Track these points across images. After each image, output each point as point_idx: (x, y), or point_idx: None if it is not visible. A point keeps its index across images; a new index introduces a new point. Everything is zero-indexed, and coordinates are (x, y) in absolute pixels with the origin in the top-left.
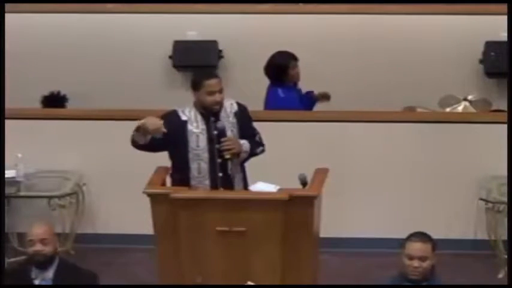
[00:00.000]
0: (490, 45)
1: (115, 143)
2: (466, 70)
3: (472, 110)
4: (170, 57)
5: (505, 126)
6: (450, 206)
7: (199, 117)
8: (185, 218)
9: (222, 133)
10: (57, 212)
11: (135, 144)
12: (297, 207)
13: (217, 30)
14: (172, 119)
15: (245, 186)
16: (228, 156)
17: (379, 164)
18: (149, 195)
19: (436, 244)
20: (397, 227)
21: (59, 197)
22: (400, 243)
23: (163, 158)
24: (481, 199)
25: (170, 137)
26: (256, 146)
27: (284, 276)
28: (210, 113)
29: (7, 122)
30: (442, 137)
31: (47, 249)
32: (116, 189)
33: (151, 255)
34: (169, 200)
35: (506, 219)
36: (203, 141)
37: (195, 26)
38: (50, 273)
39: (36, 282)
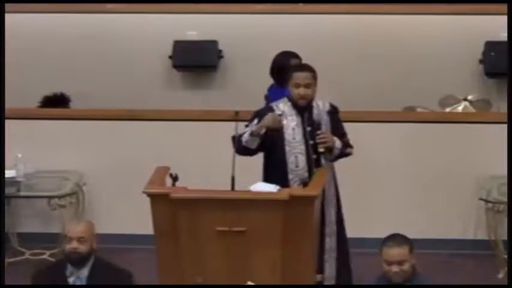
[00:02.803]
0: (490, 45)
1: (115, 143)
2: (466, 70)
3: (472, 110)
4: (170, 57)
5: (505, 126)
6: (450, 206)
7: (293, 111)
8: (185, 218)
9: (317, 127)
10: (57, 212)
11: (245, 150)
12: (297, 207)
13: (217, 30)
14: (267, 113)
15: (335, 185)
16: (322, 150)
17: (379, 164)
18: (149, 195)
19: (413, 244)
20: (397, 227)
21: (59, 197)
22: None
23: (163, 158)
24: (481, 199)
25: (268, 133)
26: (346, 146)
27: (284, 276)
28: (303, 108)
29: (7, 122)
30: (442, 137)
31: (83, 247)
32: (116, 189)
33: (151, 255)
34: (169, 200)
35: (506, 219)
36: (299, 134)
37: (195, 26)
38: (85, 272)
39: (71, 280)
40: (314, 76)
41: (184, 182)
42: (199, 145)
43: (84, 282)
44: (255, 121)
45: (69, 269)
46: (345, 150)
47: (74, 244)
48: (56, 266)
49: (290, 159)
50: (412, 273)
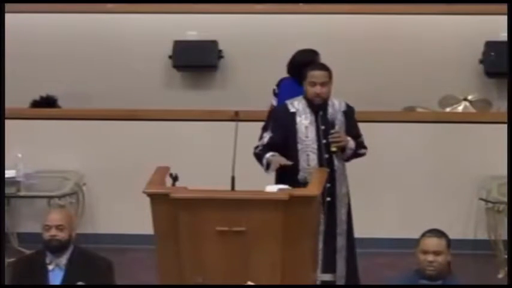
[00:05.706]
0: (490, 45)
1: (115, 143)
2: (466, 70)
3: (472, 110)
4: (170, 57)
5: (505, 126)
6: (450, 206)
7: (308, 109)
8: (185, 218)
9: (330, 126)
10: None
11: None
12: (297, 207)
13: (217, 30)
14: (281, 111)
15: (347, 185)
16: (334, 149)
17: (379, 164)
18: (149, 195)
19: (450, 241)
20: (397, 227)
21: (59, 197)
22: (415, 243)
23: (163, 158)
24: (481, 199)
25: (281, 130)
26: (360, 147)
27: (284, 276)
28: (317, 106)
29: (7, 122)
30: (442, 137)
31: (62, 235)
32: (116, 189)
33: (151, 255)
34: (169, 200)
35: (506, 219)
36: (312, 132)
37: (195, 26)
38: (64, 259)
39: (50, 267)
40: (329, 75)
41: (184, 182)
42: (199, 145)
43: (63, 270)
44: (269, 129)
45: (49, 256)
46: (359, 151)
47: (53, 231)
48: (36, 254)
49: (302, 158)
50: (447, 271)
